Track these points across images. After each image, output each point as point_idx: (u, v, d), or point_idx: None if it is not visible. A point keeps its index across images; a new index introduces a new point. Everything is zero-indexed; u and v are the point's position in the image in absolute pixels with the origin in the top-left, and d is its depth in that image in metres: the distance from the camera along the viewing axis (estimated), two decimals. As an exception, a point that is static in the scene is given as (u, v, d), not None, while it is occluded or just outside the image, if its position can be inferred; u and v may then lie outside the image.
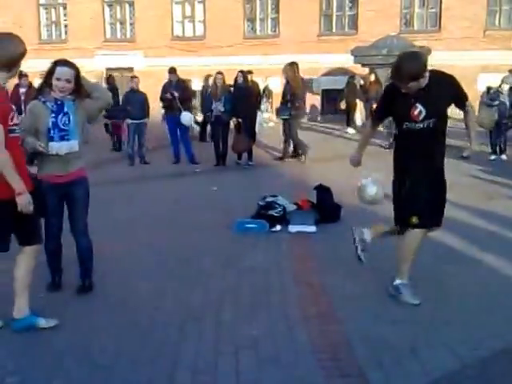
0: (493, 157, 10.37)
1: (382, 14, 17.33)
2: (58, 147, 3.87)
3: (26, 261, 3.58)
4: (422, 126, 3.78)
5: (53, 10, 20.19)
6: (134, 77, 11.45)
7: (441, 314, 3.80)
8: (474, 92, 15.92)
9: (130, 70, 17.47)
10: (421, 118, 3.75)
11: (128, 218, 6.33)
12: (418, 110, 3.74)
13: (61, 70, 3.82)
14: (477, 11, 17.44)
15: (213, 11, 18.56)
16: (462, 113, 3.99)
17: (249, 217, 6.12)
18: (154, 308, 3.95)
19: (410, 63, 3.65)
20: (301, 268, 4.80)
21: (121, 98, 11.33)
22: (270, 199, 6.33)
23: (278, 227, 5.93)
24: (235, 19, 18.49)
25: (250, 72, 12.15)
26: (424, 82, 3.69)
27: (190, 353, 3.31)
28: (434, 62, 13.62)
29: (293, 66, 10.46)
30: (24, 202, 3.34)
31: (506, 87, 10.53)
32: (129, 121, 10.67)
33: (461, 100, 3.89)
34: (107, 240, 4.87)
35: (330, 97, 17.19)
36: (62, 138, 3.87)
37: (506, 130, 10.51)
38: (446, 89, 3.79)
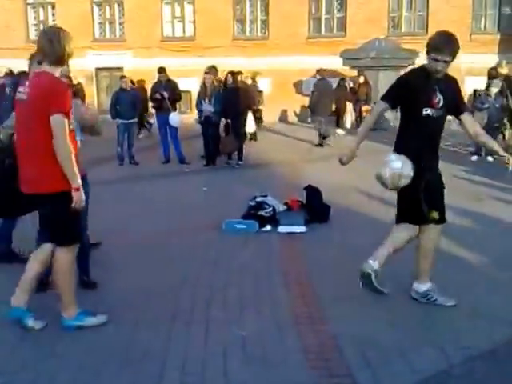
0: (474, 158, 10.45)
1: (370, 17, 17.42)
2: None
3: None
4: (439, 113, 3.85)
5: (41, 9, 20.01)
6: (123, 77, 11.42)
7: (429, 314, 3.83)
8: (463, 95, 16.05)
9: (120, 69, 17.40)
10: (440, 105, 3.83)
11: (116, 218, 6.31)
12: (438, 97, 3.82)
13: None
14: (463, 15, 17.61)
15: (202, 12, 18.54)
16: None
17: (239, 217, 6.13)
18: (142, 308, 3.94)
19: (454, 39, 3.85)
20: (290, 268, 4.81)
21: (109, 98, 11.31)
22: (260, 199, 6.35)
23: (268, 227, 5.94)
24: (225, 20, 18.48)
25: (239, 73, 12.15)
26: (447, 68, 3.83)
27: (178, 353, 3.31)
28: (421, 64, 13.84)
29: (211, 69, 10.71)
30: (79, 197, 3.36)
31: (494, 90, 10.62)
32: (118, 120, 10.63)
33: (460, 102, 4.07)
34: (94, 239, 4.83)
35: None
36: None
37: (496, 133, 10.58)
38: (455, 87, 3.99)
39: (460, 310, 3.88)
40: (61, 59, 3.39)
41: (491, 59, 16.99)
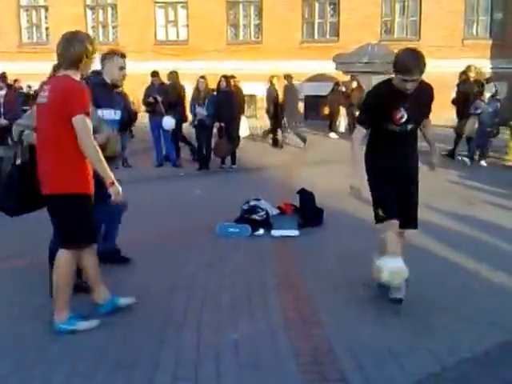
0: (468, 163, 10.51)
1: (362, 22, 17.51)
2: None
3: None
4: (401, 129, 3.87)
5: (34, 12, 19.96)
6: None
7: (421, 317, 3.84)
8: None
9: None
10: (402, 121, 3.83)
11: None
12: (401, 114, 3.81)
13: None
14: (455, 21, 17.76)
15: (196, 16, 18.55)
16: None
17: (232, 221, 6.12)
18: (135, 311, 3.91)
19: (420, 56, 3.73)
20: (283, 272, 4.81)
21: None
22: (253, 203, 6.34)
23: (261, 231, 5.94)
24: (218, 24, 18.51)
25: (232, 77, 12.18)
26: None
27: (170, 357, 3.30)
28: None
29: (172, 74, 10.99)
30: (116, 191, 3.45)
31: (487, 95, 10.68)
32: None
33: (429, 111, 4.06)
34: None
35: (312, 103, 17.29)
36: None
37: (489, 138, 10.64)
38: (426, 98, 3.94)
39: (453, 314, 3.89)
40: (76, 62, 3.47)
41: (483, 64, 17.14)
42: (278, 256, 5.31)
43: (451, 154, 11.02)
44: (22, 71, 17.08)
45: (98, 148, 3.43)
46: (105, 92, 4.55)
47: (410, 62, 3.69)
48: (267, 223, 6.05)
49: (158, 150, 10.85)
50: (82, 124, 3.36)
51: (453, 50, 17.22)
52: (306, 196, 6.54)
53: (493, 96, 10.74)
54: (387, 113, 3.83)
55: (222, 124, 10.21)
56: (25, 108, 13.05)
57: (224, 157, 10.46)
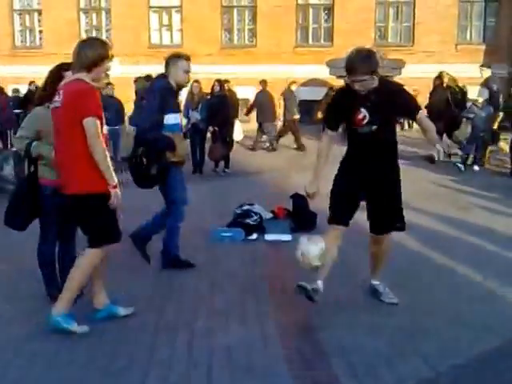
0: (462, 167, 10.52)
1: (356, 27, 17.56)
2: None
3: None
4: (365, 130, 3.79)
5: (27, 15, 19.92)
6: (108, 83, 11.37)
7: (415, 322, 3.82)
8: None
9: (107, 76, 17.35)
10: (364, 122, 3.76)
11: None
12: (363, 114, 3.75)
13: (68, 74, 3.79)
14: (449, 26, 17.86)
15: (190, 20, 18.56)
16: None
17: (225, 225, 6.10)
18: (126, 316, 3.88)
19: (365, 57, 3.67)
20: (276, 276, 4.79)
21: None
22: (246, 207, 6.33)
23: (254, 235, 5.92)
24: (212, 29, 18.53)
25: (226, 81, 12.20)
26: (374, 83, 3.68)
27: (162, 363, 3.27)
28: (408, 74, 13.96)
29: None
30: (116, 195, 3.48)
31: (481, 100, 10.71)
32: (105, 127, 10.56)
33: (410, 110, 3.89)
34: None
35: (306, 107, 17.31)
36: None
37: (482, 143, 10.67)
38: (393, 98, 3.76)
39: (445, 318, 3.88)
40: (87, 66, 3.51)
41: (476, 69, 17.22)
42: (271, 260, 5.29)
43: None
44: (14, 75, 17.05)
45: (106, 150, 3.48)
46: (170, 96, 4.57)
47: (354, 62, 3.64)
48: (260, 227, 6.04)
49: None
50: (92, 126, 3.42)
51: (446, 55, 17.30)
52: (299, 200, 6.51)
53: (487, 101, 10.79)
54: (349, 114, 3.80)
55: (216, 128, 10.20)
56: (17, 112, 13.05)
57: (218, 161, 10.45)
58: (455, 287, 4.49)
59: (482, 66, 11.06)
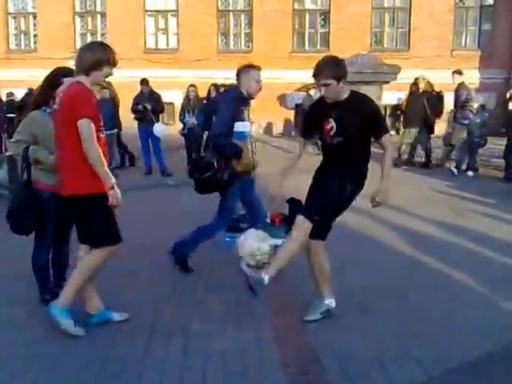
0: (456, 172, 10.54)
1: (352, 32, 17.64)
2: None
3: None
4: (330, 141, 3.79)
5: (22, 19, 19.86)
6: (104, 87, 11.35)
7: (408, 327, 3.83)
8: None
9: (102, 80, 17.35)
10: (332, 133, 3.76)
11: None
12: (331, 125, 3.76)
13: (68, 80, 3.77)
14: (444, 31, 17.94)
15: (186, 24, 18.58)
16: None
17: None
18: (120, 321, 3.87)
19: (332, 62, 3.74)
20: (272, 281, 4.77)
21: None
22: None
23: (249, 240, 5.90)
24: (209, 33, 18.56)
25: (223, 85, 12.19)
26: (340, 92, 3.70)
27: (155, 367, 3.26)
28: (403, 79, 14.00)
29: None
30: (115, 195, 3.49)
31: (475, 105, 10.76)
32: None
33: (376, 130, 3.75)
34: (72, 252, 4.78)
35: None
36: None
37: (477, 148, 10.71)
38: (361, 113, 3.69)
39: (439, 323, 3.89)
40: (86, 70, 3.54)
41: (472, 75, 17.30)
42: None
43: (440, 164, 11.15)
44: (9, 78, 17.02)
45: (100, 152, 3.47)
46: (240, 105, 4.75)
47: (320, 66, 3.69)
48: (256, 232, 6.02)
49: (146, 158, 10.81)
50: (86, 128, 3.43)
51: (442, 60, 17.38)
52: (295, 205, 6.51)
53: (482, 106, 10.85)
54: (319, 123, 3.82)
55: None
56: (10, 116, 12.99)
57: (213, 165, 10.44)
58: (450, 292, 4.50)
59: (454, 72, 11.20)
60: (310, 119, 4.01)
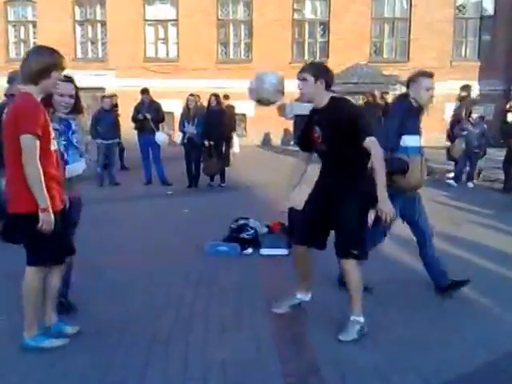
0: (453, 182, 10.56)
1: (352, 42, 17.72)
2: (74, 169, 3.84)
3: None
4: (321, 148, 3.87)
5: (22, 27, 19.95)
6: (104, 97, 11.40)
7: (409, 337, 3.83)
8: (442, 121, 16.34)
9: (102, 90, 17.40)
10: (319, 141, 3.85)
11: (95, 241, 6.22)
12: (317, 133, 3.83)
13: (64, 86, 3.76)
14: (444, 42, 18.02)
15: (186, 34, 18.67)
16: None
17: (221, 239, 6.09)
18: (121, 331, 3.87)
19: (316, 63, 3.95)
20: (271, 291, 4.78)
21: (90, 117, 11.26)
22: (241, 222, 6.33)
23: (250, 250, 5.92)
24: (208, 43, 18.64)
25: (226, 97, 12.34)
26: (314, 93, 3.79)
27: (156, 378, 3.25)
28: (403, 90, 14.07)
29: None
30: (46, 219, 3.28)
31: (475, 116, 10.80)
32: (99, 141, 10.57)
33: (358, 134, 3.66)
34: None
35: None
36: (75, 159, 3.84)
37: (476, 159, 10.73)
38: (341, 116, 3.71)
39: (439, 334, 3.89)
40: (33, 78, 3.32)
41: (472, 86, 17.35)
42: (267, 275, 5.28)
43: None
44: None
45: (40, 170, 3.27)
46: (410, 117, 4.33)
47: (304, 65, 3.92)
48: (256, 242, 6.03)
49: (146, 167, 10.82)
50: (27, 144, 3.23)
51: (441, 71, 17.37)
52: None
53: (481, 117, 10.89)
54: (310, 132, 3.91)
55: (212, 142, 10.22)
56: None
57: (213, 175, 10.47)
58: (448, 302, 4.50)
59: (398, 81, 11.45)
60: (303, 131, 4.05)
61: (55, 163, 3.44)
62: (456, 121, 11.05)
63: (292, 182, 4.13)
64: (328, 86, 3.80)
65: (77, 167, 3.87)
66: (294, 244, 4.16)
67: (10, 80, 5.28)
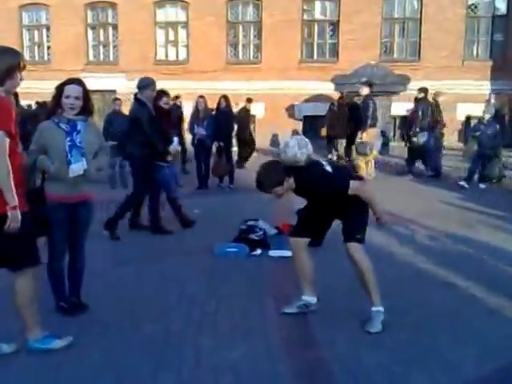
0: (466, 185, 10.38)
1: (362, 42, 17.63)
2: (76, 169, 3.86)
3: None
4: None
5: (36, 31, 20.17)
6: (116, 99, 11.44)
7: (418, 339, 3.80)
8: (454, 121, 16.25)
9: (113, 92, 17.48)
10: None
11: (105, 241, 6.26)
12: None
13: (69, 88, 3.86)
14: (455, 42, 17.86)
15: (196, 36, 18.73)
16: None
17: (230, 240, 6.09)
18: (131, 332, 3.87)
19: (269, 175, 4.12)
20: (280, 292, 4.77)
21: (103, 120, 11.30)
22: (251, 223, 6.33)
23: (259, 251, 5.90)
24: (218, 44, 18.67)
25: (249, 100, 12.61)
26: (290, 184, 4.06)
27: (167, 379, 3.25)
28: (413, 90, 13.99)
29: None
30: (14, 218, 3.23)
31: (487, 117, 10.68)
32: (110, 143, 10.58)
33: (335, 192, 4.01)
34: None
35: (311, 123, 17.35)
36: (78, 160, 3.86)
37: (488, 160, 10.60)
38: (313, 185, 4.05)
39: (450, 336, 3.85)
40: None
41: (483, 85, 17.26)
42: (276, 276, 5.27)
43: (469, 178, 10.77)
44: (23, 90, 17.17)
45: (9, 168, 3.20)
46: None
47: (258, 181, 4.25)
48: (265, 243, 6.02)
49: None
50: None
51: (453, 70, 17.32)
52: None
53: (494, 118, 10.77)
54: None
55: (221, 144, 10.22)
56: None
57: (222, 176, 10.47)
58: (459, 304, 4.46)
59: (362, 82, 11.46)
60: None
61: (19, 166, 3.38)
62: (410, 122, 11.42)
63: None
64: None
65: (79, 167, 3.89)
66: (293, 236, 4.30)
67: None
